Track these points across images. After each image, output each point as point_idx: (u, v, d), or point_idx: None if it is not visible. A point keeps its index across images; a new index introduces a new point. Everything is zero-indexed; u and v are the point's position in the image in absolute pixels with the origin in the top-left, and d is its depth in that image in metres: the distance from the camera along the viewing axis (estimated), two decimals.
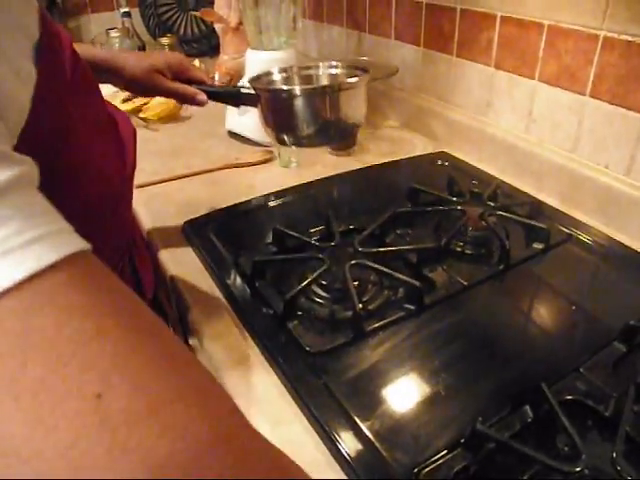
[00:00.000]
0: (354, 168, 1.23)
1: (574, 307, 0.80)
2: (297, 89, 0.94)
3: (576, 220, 1.00)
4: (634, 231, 0.95)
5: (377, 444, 0.58)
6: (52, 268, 0.27)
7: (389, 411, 0.63)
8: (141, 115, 1.51)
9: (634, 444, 0.56)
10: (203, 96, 0.92)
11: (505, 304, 0.83)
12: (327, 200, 1.10)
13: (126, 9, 1.94)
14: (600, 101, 0.97)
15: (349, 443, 0.58)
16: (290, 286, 0.79)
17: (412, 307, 0.77)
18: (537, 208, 1.01)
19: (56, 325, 0.26)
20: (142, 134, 1.42)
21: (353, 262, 0.80)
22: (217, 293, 0.83)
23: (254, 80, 0.96)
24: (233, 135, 1.40)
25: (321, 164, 1.26)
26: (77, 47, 0.60)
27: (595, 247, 0.93)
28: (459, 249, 0.91)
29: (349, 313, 0.75)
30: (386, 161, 1.26)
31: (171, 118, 1.53)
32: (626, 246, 0.92)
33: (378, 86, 1.49)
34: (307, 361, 0.69)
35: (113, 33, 1.85)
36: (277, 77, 1.00)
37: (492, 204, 0.98)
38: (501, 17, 1.11)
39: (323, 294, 0.79)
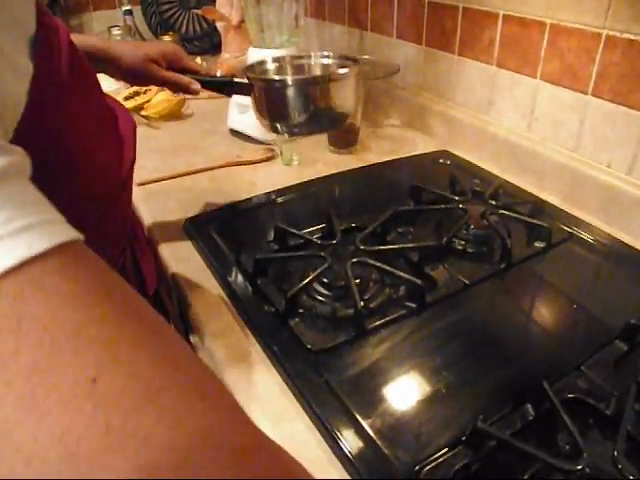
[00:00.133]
0: (356, 166, 1.23)
1: (575, 306, 0.80)
2: (289, 79, 0.96)
3: (578, 219, 1.00)
4: (636, 230, 0.95)
5: (378, 442, 0.58)
6: (43, 256, 0.26)
7: (390, 409, 0.63)
8: (143, 113, 1.51)
9: (635, 443, 0.56)
10: (197, 85, 0.93)
11: (506, 303, 0.83)
12: (329, 198, 1.10)
13: (128, 7, 1.94)
14: (602, 100, 0.97)
15: (350, 441, 0.58)
16: (292, 284, 0.79)
17: (413, 305, 0.77)
18: (539, 207, 1.01)
19: (49, 311, 0.25)
20: (144, 132, 1.43)
21: (355, 260, 0.80)
22: (218, 291, 0.83)
23: (248, 69, 0.97)
24: (235, 133, 1.40)
25: (323, 162, 1.26)
26: (73, 37, 0.60)
27: (597, 246, 0.93)
28: (461, 247, 0.91)
29: (350, 311, 0.75)
30: (388, 159, 1.26)
31: (173, 116, 1.53)
32: (628, 245, 0.92)
33: (380, 84, 1.49)
34: (308, 359, 0.69)
35: (115, 31, 1.85)
36: (270, 66, 1.02)
37: (494, 203, 0.98)
38: (503, 15, 1.11)
39: (325, 292, 0.79)
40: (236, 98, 1.35)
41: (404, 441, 0.59)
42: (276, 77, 1.01)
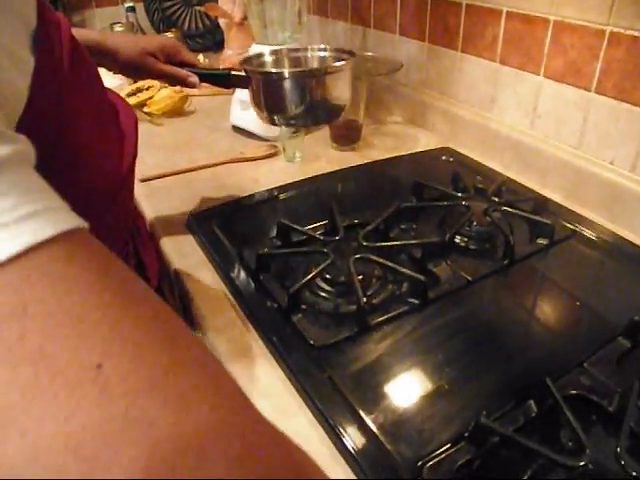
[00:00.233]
0: (358, 163, 1.23)
1: (578, 303, 0.80)
2: (286, 72, 0.97)
3: (581, 216, 0.99)
4: (639, 227, 0.95)
5: (381, 437, 0.58)
6: (49, 242, 0.26)
7: (393, 405, 0.63)
8: (145, 109, 1.51)
9: (638, 439, 0.56)
10: (195, 78, 0.93)
11: (509, 299, 0.83)
12: (331, 195, 1.10)
13: (130, 4, 1.93)
14: (606, 97, 0.96)
15: (353, 436, 0.58)
16: (294, 280, 0.79)
17: (416, 301, 0.77)
18: (542, 204, 1.01)
19: (54, 297, 0.25)
20: (146, 128, 1.43)
21: (357, 256, 0.80)
22: (221, 286, 0.84)
23: (245, 62, 0.98)
24: (237, 130, 1.39)
25: (325, 159, 1.26)
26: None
27: (600, 243, 0.93)
28: (463, 244, 0.91)
29: (353, 307, 0.75)
30: (390, 156, 1.26)
31: (175, 112, 1.53)
32: (631, 242, 0.92)
33: (383, 81, 1.49)
34: (311, 354, 0.69)
35: (117, 28, 1.86)
36: (268, 59, 1.03)
37: (496, 200, 0.98)
38: (507, 12, 1.11)
39: (327, 288, 0.79)
40: (239, 95, 1.35)
41: (407, 437, 0.59)
42: (273, 70, 1.02)
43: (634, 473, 0.53)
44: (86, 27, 2.13)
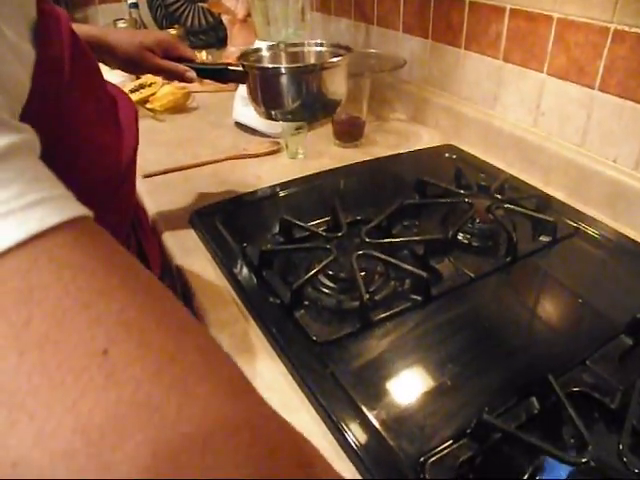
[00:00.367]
0: (361, 160, 1.23)
1: (581, 300, 0.80)
2: (283, 67, 0.99)
3: (583, 214, 0.99)
4: None
5: (383, 433, 0.58)
6: (55, 229, 0.26)
7: (395, 401, 0.63)
8: (148, 106, 1.51)
9: None
10: (192, 73, 0.94)
11: (512, 296, 0.83)
12: (334, 191, 1.10)
13: (134, 0, 1.94)
14: (609, 95, 0.96)
15: (356, 432, 0.58)
16: (297, 276, 0.79)
17: (419, 298, 0.77)
18: (544, 202, 1.01)
19: (61, 283, 0.25)
20: (149, 125, 1.43)
21: (360, 252, 0.80)
22: (224, 282, 0.84)
23: (242, 57, 0.99)
24: (240, 126, 1.39)
25: (328, 156, 1.26)
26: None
27: (602, 241, 0.92)
28: (466, 241, 0.91)
29: (356, 303, 0.75)
30: (393, 153, 1.26)
31: (178, 109, 1.53)
32: (633, 240, 0.92)
33: (386, 78, 1.49)
34: (314, 350, 0.69)
35: (120, 24, 1.85)
36: (265, 54, 1.04)
37: (499, 197, 0.98)
38: (510, 9, 1.11)
39: (330, 284, 0.79)
40: (241, 91, 1.35)
41: (409, 433, 0.59)
42: (270, 65, 1.03)
43: (636, 470, 0.53)
44: (89, 23, 2.13)
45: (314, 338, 0.70)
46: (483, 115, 1.25)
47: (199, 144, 1.32)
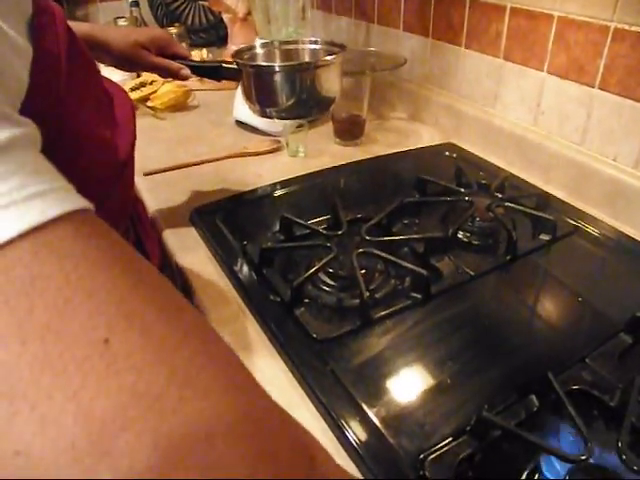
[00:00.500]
0: (361, 158, 1.23)
1: (580, 299, 0.80)
2: (277, 65, 0.99)
3: (583, 212, 1.00)
4: None
5: (383, 430, 0.58)
6: (56, 221, 0.27)
7: (395, 398, 0.63)
8: (149, 104, 1.52)
9: (639, 434, 0.56)
10: (187, 70, 0.94)
11: (511, 295, 0.83)
12: (334, 189, 1.10)
13: None
14: (609, 93, 0.96)
15: (355, 429, 0.58)
16: (297, 274, 0.79)
17: (419, 296, 0.77)
18: (544, 200, 1.01)
19: (62, 273, 0.26)
20: (150, 123, 1.44)
21: (360, 250, 0.80)
22: (224, 279, 0.84)
23: (236, 55, 0.99)
24: (241, 124, 1.40)
25: (329, 154, 1.26)
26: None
27: (602, 239, 0.93)
28: (466, 239, 0.91)
29: (356, 301, 0.75)
30: (393, 152, 1.26)
31: (178, 107, 1.53)
32: (633, 239, 0.92)
33: (386, 77, 1.49)
34: (314, 348, 0.69)
35: (121, 22, 1.85)
36: (259, 51, 1.05)
37: (499, 195, 0.98)
38: (511, 8, 1.11)
39: (330, 282, 0.79)
40: None
41: (409, 430, 0.59)
42: (264, 63, 1.03)
43: (635, 467, 0.53)
44: (90, 21, 2.13)
45: (314, 336, 0.70)
46: (483, 114, 1.25)
47: (200, 142, 1.32)
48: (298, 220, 0.90)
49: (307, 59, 1.04)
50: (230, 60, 0.95)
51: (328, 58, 0.96)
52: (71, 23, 0.64)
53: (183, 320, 0.30)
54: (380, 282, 0.80)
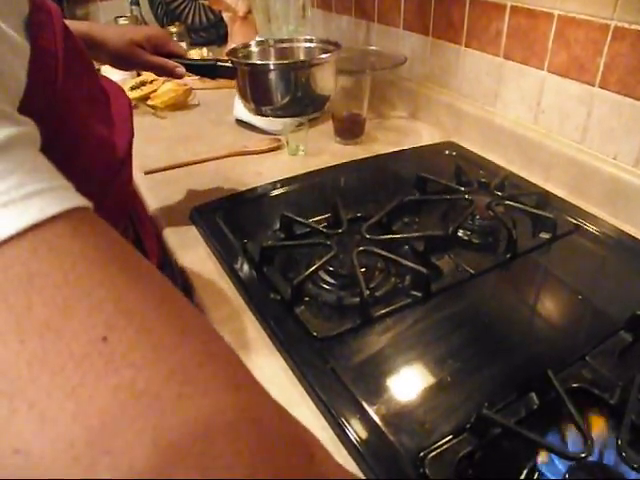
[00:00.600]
0: (362, 157, 1.23)
1: (580, 297, 0.80)
2: (272, 63, 0.99)
3: (583, 211, 0.99)
4: None
5: (383, 428, 0.58)
6: (55, 219, 0.27)
7: (395, 396, 0.63)
8: (149, 103, 1.52)
9: (639, 432, 0.56)
10: (182, 69, 0.94)
11: (511, 293, 0.83)
12: (335, 188, 1.11)
13: None
14: (609, 92, 0.96)
15: (356, 427, 0.58)
16: (298, 272, 0.79)
17: (419, 294, 0.77)
18: (544, 198, 1.01)
19: (61, 271, 0.26)
20: (150, 121, 1.44)
21: (360, 249, 0.80)
22: (224, 278, 0.84)
23: (231, 53, 0.99)
24: (241, 123, 1.40)
25: (329, 153, 1.26)
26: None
27: (602, 238, 0.93)
28: (466, 238, 0.91)
29: (356, 299, 0.75)
30: (393, 150, 1.26)
31: (179, 106, 1.53)
32: (633, 237, 0.92)
33: (386, 76, 1.49)
34: (314, 346, 0.69)
35: (121, 21, 1.86)
36: (254, 50, 1.05)
37: (499, 194, 0.98)
38: (511, 7, 1.11)
39: (330, 280, 0.79)
40: None
41: (409, 428, 0.59)
42: (259, 61, 1.03)
43: (635, 465, 0.53)
44: (90, 21, 2.13)
45: (314, 334, 0.70)
46: (483, 112, 1.25)
47: (200, 141, 1.32)
48: (298, 218, 0.90)
49: (302, 57, 1.05)
50: (225, 58, 0.95)
51: (323, 56, 0.97)
52: (69, 22, 0.64)
53: (182, 318, 0.29)
54: (380, 280, 0.80)
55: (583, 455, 0.52)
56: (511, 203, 0.94)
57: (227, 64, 0.94)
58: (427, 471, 0.54)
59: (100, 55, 0.90)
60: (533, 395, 0.61)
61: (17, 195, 0.26)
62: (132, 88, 1.53)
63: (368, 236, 0.84)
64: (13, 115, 0.30)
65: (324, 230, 0.87)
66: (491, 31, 1.17)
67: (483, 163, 1.19)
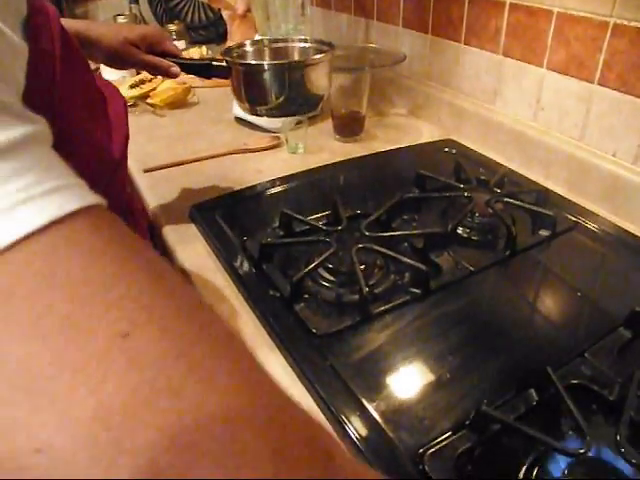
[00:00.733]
0: (361, 154, 1.23)
1: (579, 294, 0.80)
2: (266, 63, 1.00)
3: (583, 208, 1.00)
4: None
5: (383, 425, 0.59)
6: (74, 215, 0.27)
7: (395, 393, 0.63)
8: (149, 101, 1.52)
9: (638, 428, 0.56)
10: (176, 68, 0.94)
11: (511, 290, 0.83)
12: (334, 185, 1.11)
13: None
14: (609, 89, 0.96)
15: (355, 423, 0.58)
16: (297, 269, 0.79)
17: (418, 291, 0.77)
18: (544, 196, 1.01)
19: (81, 267, 0.26)
20: (149, 120, 1.44)
21: (360, 246, 0.80)
22: (224, 275, 0.84)
23: (226, 53, 1.00)
24: (240, 121, 1.40)
25: (328, 150, 1.26)
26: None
27: (601, 235, 0.93)
28: (465, 235, 0.91)
29: (355, 296, 0.75)
30: (393, 148, 1.26)
31: (178, 104, 1.53)
32: (633, 234, 0.92)
33: (385, 73, 1.49)
34: (313, 343, 0.69)
35: (121, 19, 1.86)
36: (249, 49, 1.06)
37: (499, 191, 0.98)
38: (510, 4, 1.11)
39: (330, 277, 0.79)
40: None
41: (408, 424, 0.59)
42: (253, 61, 1.04)
43: (633, 460, 0.53)
44: (89, 19, 2.13)
45: (314, 331, 0.70)
46: (483, 110, 1.25)
47: (199, 139, 1.32)
48: (298, 216, 0.90)
49: (296, 57, 1.05)
50: (220, 58, 0.95)
51: (317, 57, 0.97)
52: (64, 20, 0.64)
53: (199, 314, 0.29)
54: (379, 277, 0.80)
55: (582, 451, 0.52)
56: (510, 200, 0.94)
57: (222, 64, 0.94)
58: (426, 467, 0.54)
59: (94, 53, 0.90)
60: (532, 391, 0.61)
61: (36, 192, 0.26)
62: (131, 86, 1.53)
63: (367, 233, 0.84)
64: (26, 113, 0.30)
65: (323, 227, 0.87)
66: (490, 28, 1.17)
67: (482, 160, 1.19)
